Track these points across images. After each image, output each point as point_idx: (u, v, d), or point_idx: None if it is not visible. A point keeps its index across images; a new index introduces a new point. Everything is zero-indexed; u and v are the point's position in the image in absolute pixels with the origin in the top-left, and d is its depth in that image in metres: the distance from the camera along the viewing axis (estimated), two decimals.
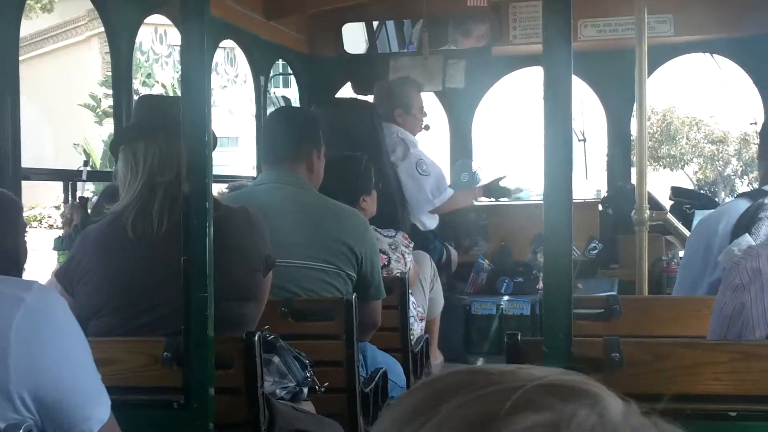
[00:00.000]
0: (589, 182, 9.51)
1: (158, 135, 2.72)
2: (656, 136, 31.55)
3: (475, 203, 6.50)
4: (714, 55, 6.90)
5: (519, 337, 2.23)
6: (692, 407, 2.04)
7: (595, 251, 6.20)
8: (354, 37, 7.75)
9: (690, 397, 2.07)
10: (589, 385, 0.71)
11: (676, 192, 6.79)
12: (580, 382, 0.71)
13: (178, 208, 2.54)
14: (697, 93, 32.02)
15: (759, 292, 2.22)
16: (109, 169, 4.02)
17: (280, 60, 6.95)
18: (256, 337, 2.48)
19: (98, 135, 28.46)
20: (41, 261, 4.48)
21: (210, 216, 2.34)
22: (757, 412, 2.04)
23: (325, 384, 2.89)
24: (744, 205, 3.15)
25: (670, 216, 4.84)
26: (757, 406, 2.04)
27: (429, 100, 7.55)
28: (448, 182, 6.17)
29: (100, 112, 28.86)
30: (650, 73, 4.91)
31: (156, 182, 2.70)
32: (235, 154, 27.79)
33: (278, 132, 3.78)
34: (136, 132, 2.85)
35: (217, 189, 4.82)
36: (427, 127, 5.80)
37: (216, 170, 3.82)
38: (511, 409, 0.67)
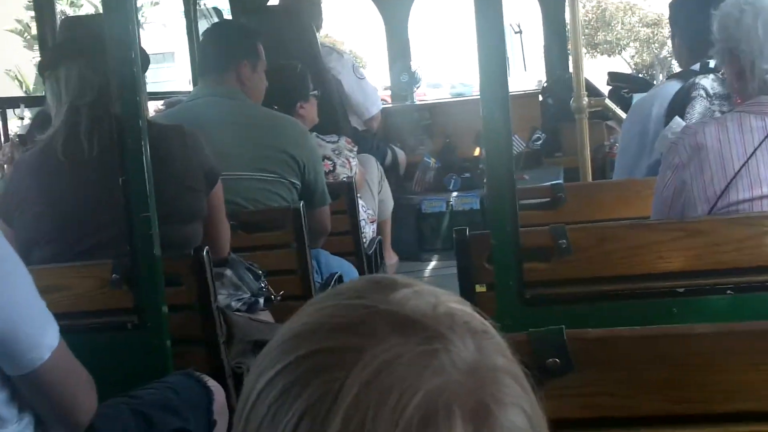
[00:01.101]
0: (529, 74, 9.49)
1: (77, 57, 2.64)
2: (592, 23, 31.54)
3: (417, 102, 6.47)
4: None
5: (467, 232, 2.24)
6: (640, 286, 2.08)
7: (539, 141, 6.24)
8: None
9: (638, 277, 2.12)
10: (443, 328, 0.68)
11: (613, 77, 6.79)
12: (437, 320, 0.69)
13: (107, 131, 2.49)
14: None
15: (698, 169, 2.25)
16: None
17: None
18: (205, 253, 2.46)
19: (29, 60, 27.71)
20: None
21: (145, 135, 2.29)
22: (703, 286, 2.09)
23: (281, 293, 2.90)
24: (675, 86, 3.17)
25: (608, 101, 4.87)
26: (703, 280, 2.09)
27: (364, 3, 7.45)
28: (389, 83, 6.16)
29: (29, 37, 28.07)
30: None
31: (79, 105, 2.63)
32: (172, 69, 27.24)
33: (210, 45, 3.74)
34: (57, 55, 2.77)
35: (154, 106, 4.74)
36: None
37: (153, 87, 3.77)
38: (343, 326, 0.68)
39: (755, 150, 2.21)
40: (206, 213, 2.82)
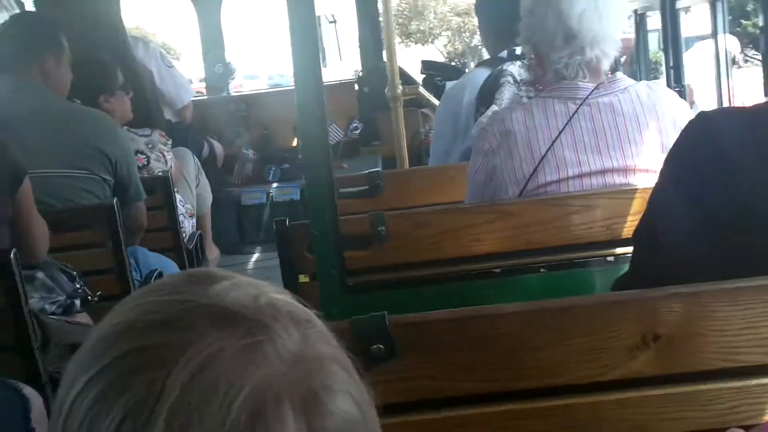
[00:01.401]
0: (346, 64, 9.57)
1: None
2: (405, 12, 32.13)
3: (233, 94, 6.40)
4: None
5: (287, 222, 2.24)
6: (456, 269, 2.14)
7: (357, 131, 6.31)
8: None
9: (455, 260, 2.18)
10: (266, 319, 0.67)
11: (427, 65, 6.97)
12: (259, 311, 0.68)
13: None
14: None
15: (508, 154, 2.32)
16: None
17: None
18: (12, 254, 2.35)
19: None
20: None
21: None
22: (518, 266, 2.17)
23: (98, 293, 2.81)
24: (484, 73, 3.27)
25: (421, 89, 4.98)
26: (516, 260, 2.17)
27: None
28: (203, 75, 6.06)
29: None
30: None
31: None
32: None
33: (10, 38, 3.54)
34: None
35: None
36: None
37: None
38: (161, 322, 0.66)
39: (559, 134, 2.31)
40: (12, 215, 2.67)
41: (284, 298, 0.72)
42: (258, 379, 0.63)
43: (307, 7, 2.03)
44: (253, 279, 0.73)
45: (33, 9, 6.51)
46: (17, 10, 6.59)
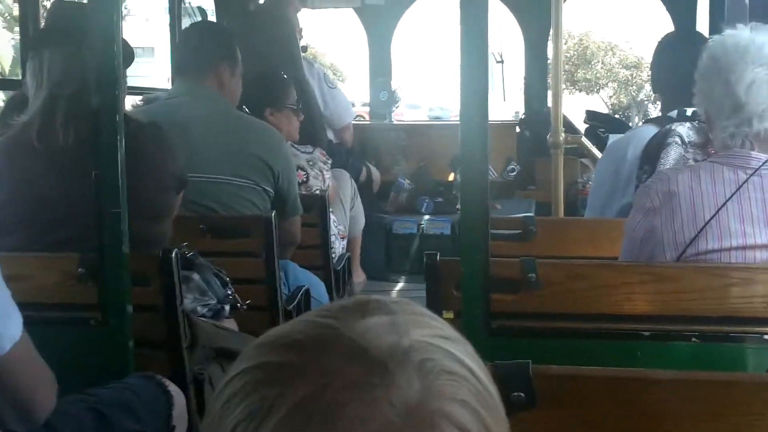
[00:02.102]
0: (508, 104, 9.56)
1: (65, 44, 2.60)
2: (573, 60, 31.86)
3: (395, 122, 6.48)
4: None
5: (437, 257, 2.25)
6: (606, 326, 2.10)
7: (514, 173, 6.28)
8: None
9: (604, 317, 2.13)
10: (392, 363, 0.66)
11: (591, 116, 6.87)
12: (389, 354, 0.67)
13: (84, 122, 2.46)
14: (613, 18, 32.37)
15: (669, 216, 2.27)
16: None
17: None
18: (174, 254, 2.45)
19: (9, 41, 27.33)
20: None
21: (121, 130, 2.27)
22: (668, 332, 2.10)
23: (247, 302, 2.88)
24: (651, 130, 3.21)
25: (584, 139, 4.91)
26: (667, 326, 2.11)
27: (348, 17, 7.47)
28: (368, 100, 6.15)
29: (9, 17, 27.69)
30: None
31: (59, 93, 2.60)
32: (152, 64, 27.09)
33: (189, 45, 3.74)
34: (44, 38, 2.74)
35: (132, 101, 4.71)
36: (304, 48, 5.67)
37: (132, 81, 3.74)
38: (297, 342, 0.68)
39: (726, 202, 2.24)
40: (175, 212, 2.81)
41: (432, 344, 0.70)
42: (358, 417, 0.63)
43: (480, 45, 2.05)
44: (420, 318, 0.72)
45: (214, 20, 6.82)
46: (199, 18, 6.91)
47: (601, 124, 6.66)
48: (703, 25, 6.08)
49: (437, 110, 31.54)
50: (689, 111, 3.11)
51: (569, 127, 5.47)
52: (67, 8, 3.36)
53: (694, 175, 2.30)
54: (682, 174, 2.33)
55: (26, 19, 4.02)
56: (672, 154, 3.03)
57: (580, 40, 32.47)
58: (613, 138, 4.66)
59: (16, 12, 26.82)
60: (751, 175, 2.24)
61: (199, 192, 3.26)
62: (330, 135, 5.49)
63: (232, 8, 6.50)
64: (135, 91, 5.46)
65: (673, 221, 2.27)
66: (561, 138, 4.19)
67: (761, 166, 2.24)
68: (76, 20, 2.64)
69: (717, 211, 2.23)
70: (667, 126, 3.12)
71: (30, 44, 2.89)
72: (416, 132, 6.86)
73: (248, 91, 3.84)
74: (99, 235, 2.30)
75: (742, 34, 2.29)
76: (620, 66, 32.87)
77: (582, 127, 6.70)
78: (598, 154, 4.76)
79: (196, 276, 2.67)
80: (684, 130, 3.07)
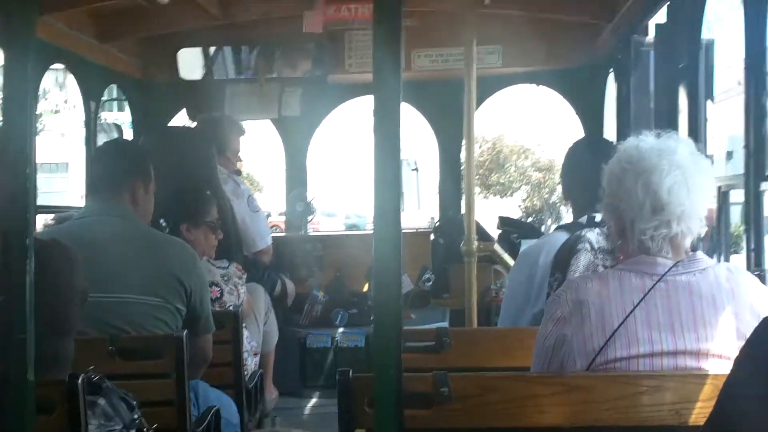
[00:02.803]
0: (423, 212, 9.69)
1: None
2: (487, 164, 32.53)
3: (311, 234, 6.49)
4: (539, 85, 7.18)
5: (350, 374, 2.23)
6: None
7: (429, 282, 6.32)
8: (191, 63, 7.60)
9: (517, 430, 2.12)
10: None
11: (503, 221, 7.01)
12: None
13: None
14: (525, 121, 33.28)
15: (579, 324, 2.29)
16: None
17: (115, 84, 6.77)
18: (80, 380, 2.37)
19: None
20: None
21: (31, 253, 2.20)
22: None
23: (154, 426, 2.79)
24: (562, 237, 3.27)
25: (496, 247, 4.99)
26: None
27: (266, 129, 7.55)
28: (284, 209, 6.16)
29: None
30: (481, 102, 5.06)
31: None
32: (66, 180, 26.83)
33: (104, 163, 3.73)
34: None
35: (43, 219, 4.63)
36: (237, 172, 5.67)
37: (45, 197, 3.69)
38: None
39: (633, 309, 2.28)
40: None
41: None
42: None
43: (393, 153, 2.05)
44: None
45: (131, 135, 6.82)
46: (115, 134, 6.90)
47: (513, 230, 6.79)
48: (610, 131, 6.32)
49: (353, 218, 31.79)
50: (598, 217, 3.18)
51: (482, 234, 5.55)
52: None
53: (603, 282, 2.34)
54: (591, 282, 2.36)
55: None
56: (582, 261, 3.09)
57: (494, 144, 33.20)
58: (525, 244, 4.75)
59: None
60: (657, 281, 2.28)
61: (110, 312, 3.20)
62: (244, 249, 5.44)
63: (150, 121, 6.52)
64: (46, 209, 5.38)
65: (582, 329, 2.29)
66: (474, 246, 4.24)
67: (666, 272, 2.29)
68: None
69: (624, 319, 2.27)
70: (577, 232, 3.18)
71: None
72: (332, 242, 6.88)
73: (167, 205, 3.82)
74: (3, 362, 2.21)
75: (653, 139, 2.37)
76: (533, 169, 33.61)
77: (495, 233, 6.82)
78: (510, 261, 4.83)
79: (102, 401, 2.58)
80: (593, 236, 3.14)
